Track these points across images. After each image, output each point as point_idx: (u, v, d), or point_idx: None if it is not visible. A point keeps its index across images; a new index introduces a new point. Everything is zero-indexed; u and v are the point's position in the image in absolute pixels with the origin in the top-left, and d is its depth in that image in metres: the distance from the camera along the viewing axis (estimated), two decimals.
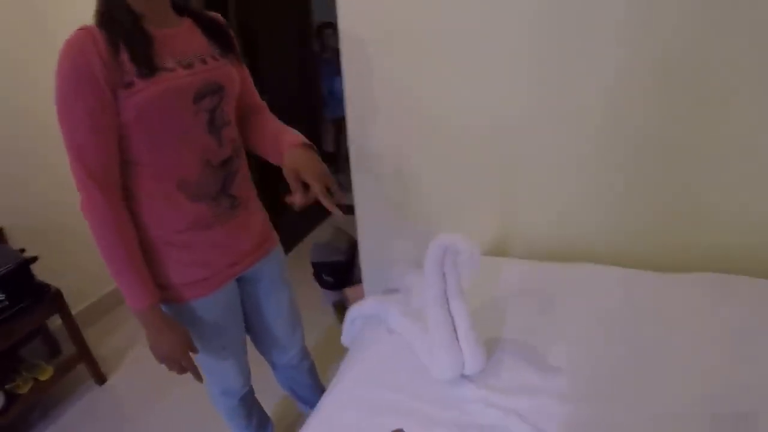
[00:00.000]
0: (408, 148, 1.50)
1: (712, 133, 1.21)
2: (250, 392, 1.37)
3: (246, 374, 1.29)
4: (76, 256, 2.17)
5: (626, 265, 1.32)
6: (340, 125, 3.64)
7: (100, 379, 1.99)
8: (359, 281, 2.07)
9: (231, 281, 1.12)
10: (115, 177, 0.94)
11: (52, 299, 1.79)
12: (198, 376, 1.08)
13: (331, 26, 3.24)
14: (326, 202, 0.93)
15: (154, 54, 0.92)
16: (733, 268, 1.26)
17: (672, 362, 0.99)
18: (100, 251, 0.95)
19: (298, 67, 3.10)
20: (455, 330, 0.97)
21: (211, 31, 1.05)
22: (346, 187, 3.85)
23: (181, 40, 0.98)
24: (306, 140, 1.04)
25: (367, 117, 1.49)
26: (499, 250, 1.54)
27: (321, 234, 2.31)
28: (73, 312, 1.91)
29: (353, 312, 1.23)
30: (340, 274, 2.26)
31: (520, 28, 1.23)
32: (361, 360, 1.07)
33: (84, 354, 1.92)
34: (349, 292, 2.23)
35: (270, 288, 1.23)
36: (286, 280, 1.28)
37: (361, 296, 2.16)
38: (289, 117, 1.17)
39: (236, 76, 1.06)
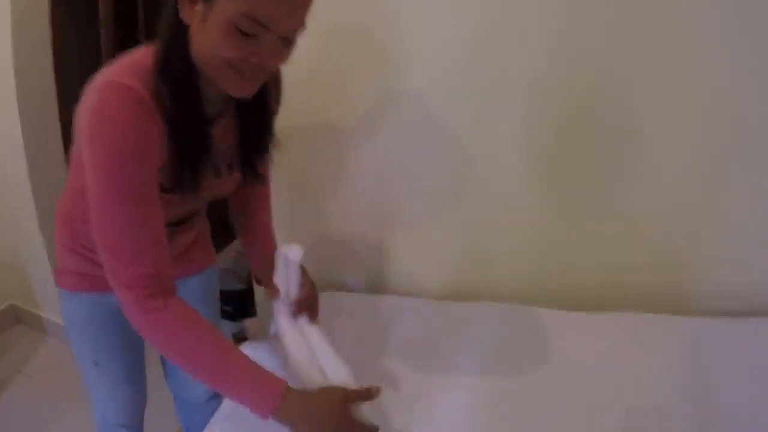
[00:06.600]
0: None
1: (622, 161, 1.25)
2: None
3: (128, 410, 1.13)
4: None
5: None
6: None
7: None
8: None
9: None
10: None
11: None
12: None
13: None
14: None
15: (202, 177, 0.81)
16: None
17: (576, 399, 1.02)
18: (205, 374, 0.78)
19: None
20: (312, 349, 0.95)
21: (250, 121, 0.88)
22: None
23: (219, 136, 0.84)
24: None
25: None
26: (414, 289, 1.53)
27: (223, 259, 2.08)
28: None
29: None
30: (240, 303, 2.09)
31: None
32: None
33: None
34: (249, 323, 2.07)
35: None
36: (208, 302, 1.18)
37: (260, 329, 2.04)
38: None
39: (236, 185, 0.96)
